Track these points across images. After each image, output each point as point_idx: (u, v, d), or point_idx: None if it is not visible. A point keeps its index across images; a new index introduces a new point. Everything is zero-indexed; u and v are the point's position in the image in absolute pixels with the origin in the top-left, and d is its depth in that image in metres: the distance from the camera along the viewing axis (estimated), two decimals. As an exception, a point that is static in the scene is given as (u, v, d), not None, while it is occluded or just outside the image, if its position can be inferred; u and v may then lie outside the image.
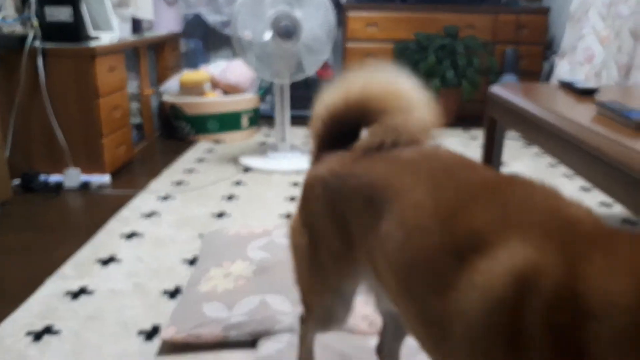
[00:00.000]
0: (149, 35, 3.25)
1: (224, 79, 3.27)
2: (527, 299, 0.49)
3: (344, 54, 3.85)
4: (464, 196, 0.63)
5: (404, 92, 0.84)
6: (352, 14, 3.72)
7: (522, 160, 2.82)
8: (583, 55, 3.05)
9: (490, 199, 0.60)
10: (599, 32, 2.99)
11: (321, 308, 0.92)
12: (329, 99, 0.89)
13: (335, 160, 0.85)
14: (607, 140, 1.15)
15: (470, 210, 0.60)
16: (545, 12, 3.73)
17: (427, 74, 3.42)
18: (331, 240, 0.83)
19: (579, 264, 0.47)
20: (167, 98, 3.27)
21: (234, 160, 2.80)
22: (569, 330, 0.46)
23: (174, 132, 3.28)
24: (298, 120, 3.74)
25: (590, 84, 1.77)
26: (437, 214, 0.63)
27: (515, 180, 0.63)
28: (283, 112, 2.73)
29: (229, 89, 3.29)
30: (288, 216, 2.03)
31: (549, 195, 0.59)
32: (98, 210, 2.13)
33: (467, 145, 3.14)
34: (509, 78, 3.60)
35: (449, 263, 0.59)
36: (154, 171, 2.62)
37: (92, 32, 2.50)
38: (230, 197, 2.25)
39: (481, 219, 0.58)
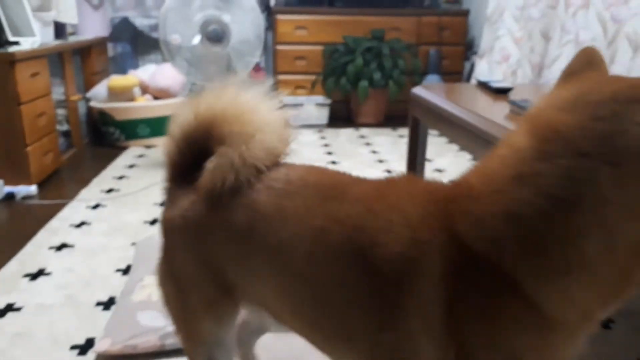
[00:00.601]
0: (73, 39, 3.16)
1: (154, 83, 3.22)
2: (425, 271, 0.56)
3: (274, 56, 3.90)
4: (344, 206, 0.65)
5: (247, 113, 0.76)
6: (281, 17, 3.77)
7: (445, 156, 2.96)
8: (500, 55, 3.25)
9: (367, 203, 0.65)
10: (513, 33, 3.19)
11: (201, 357, 0.85)
12: (182, 117, 0.79)
13: (189, 205, 0.76)
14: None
15: (351, 217, 0.64)
16: (464, 14, 3.93)
17: (356, 76, 3.53)
18: (203, 289, 0.78)
19: (449, 219, 0.56)
20: (95, 104, 3.19)
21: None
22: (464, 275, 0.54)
23: (103, 138, 3.20)
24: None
25: (506, 83, 1.90)
26: (324, 231, 0.65)
27: (386, 181, 0.68)
28: (215, 116, 2.73)
29: (159, 94, 3.25)
30: (222, 220, 2.05)
31: (412, 183, 0.65)
32: (24, 222, 2.06)
33: (396, 143, 3.27)
34: (433, 78, 3.77)
35: (358, 272, 0.62)
36: (83, 179, 2.55)
37: (10, 37, 2.40)
38: (163, 203, 2.23)
39: (365, 220, 0.63)
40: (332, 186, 0.70)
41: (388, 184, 0.66)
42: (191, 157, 0.78)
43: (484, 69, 3.34)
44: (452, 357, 0.55)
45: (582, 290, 0.51)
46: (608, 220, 0.48)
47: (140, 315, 1.32)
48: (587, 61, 0.58)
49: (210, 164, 0.74)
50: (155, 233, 1.89)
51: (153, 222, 2.03)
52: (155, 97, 3.26)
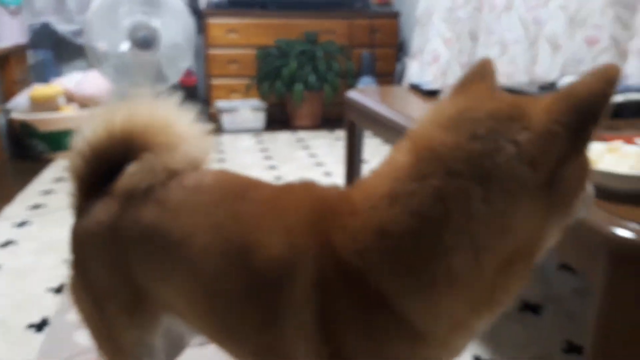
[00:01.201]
0: (-12, 47, 2.97)
1: (80, 92, 3.09)
2: (299, 276, 0.58)
3: (206, 60, 3.83)
4: (244, 217, 0.66)
5: (171, 125, 0.77)
6: (212, 21, 3.71)
7: (381, 157, 3.02)
8: (430, 56, 3.35)
9: (262, 204, 0.67)
10: (442, 34, 3.30)
11: None
12: (90, 131, 0.77)
13: (103, 209, 0.76)
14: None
15: (251, 228, 0.65)
16: (395, 16, 4.02)
17: (290, 79, 3.53)
18: (120, 295, 0.76)
19: (327, 230, 0.58)
20: (17, 115, 3.01)
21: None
22: (337, 291, 0.56)
23: (26, 151, 3.03)
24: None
25: (436, 84, 1.96)
26: (227, 243, 0.66)
27: (286, 188, 0.69)
28: (147, 124, 2.65)
29: (86, 102, 3.11)
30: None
31: (307, 190, 0.67)
32: (-60, 245, 1.92)
33: (333, 145, 3.30)
34: (367, 80, 3.84)
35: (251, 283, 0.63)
36: (6, 196, 2.40)
37: None
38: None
39: (260, 229, 0.64)
40: (236, 187, 0.72)
41: (286, 189, 0.68)
42: (101, 170, 0.78)
43: (416, 70, 3.44)
44: None
45: (450, 304, 0.52)
46: (476, 237, 0.50)
47: (77, 335, 1.27)
48: (480, 73, 0.59)
49: (132, 168, 0.74)
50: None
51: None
52: (82, 106, 3.12)
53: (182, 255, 0.68)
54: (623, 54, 2.02)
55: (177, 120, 0.77)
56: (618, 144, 0.86)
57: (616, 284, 0.70)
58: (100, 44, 2.40)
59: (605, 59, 2.05)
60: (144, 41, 2.41)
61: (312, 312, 0.57)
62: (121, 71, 2.48)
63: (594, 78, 0.49)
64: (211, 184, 0.73)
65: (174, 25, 2.46)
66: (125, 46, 2.40)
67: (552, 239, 0.55)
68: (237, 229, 0.65)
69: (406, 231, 0.51)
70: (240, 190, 0.71)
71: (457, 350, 0.59)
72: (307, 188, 0.67)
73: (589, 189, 0.58)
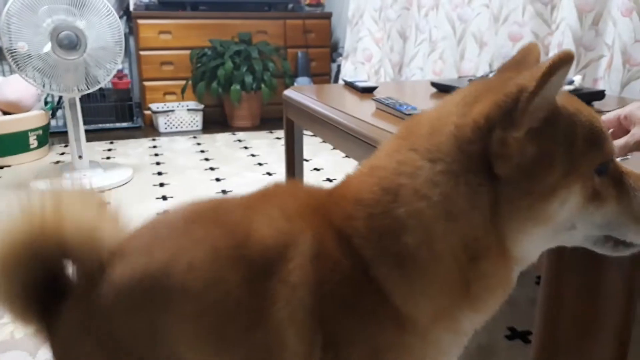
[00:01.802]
0: None
1: (2, 97, 2.90)
2: (296, 255, 0.56)
3: (138, 62, 3.71)
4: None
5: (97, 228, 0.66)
6: (142, 22, 3.60)
7: (321, 155, 3.04)
8: (363, 55, 3.40)
9: (249, 203, 0.64)
10: (373, 34, 3.36)
11: None
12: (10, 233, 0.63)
13: (74, 311, 0.64)
14: (383, 132, 1.32)
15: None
16: (328, 16, 4.06)
17: (227, 79, 3.48)
18: None
19: (327, 213, 0.57)
20: None
21: (24, 186, 2.51)
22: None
23: (-59, 162, 2.81)
24: (96, 134, 3.50)
25: (370, 82, 1.99)
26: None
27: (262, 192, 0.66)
28: (77, 127, 2.53)
29: (9, 108, 2.93)
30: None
31: (297, 187, 0.66)
32: None
33: (273, 145, 3.28)
34: (303, 80, 3.85)
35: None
36: None
37: None
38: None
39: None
40: (206, 205, 0.69)
41: (274, 188, 0.66)
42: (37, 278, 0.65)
43: (350, 69, 3.48)
44: (318, 350, 0.55)
45: (423, 287, 0.52)
46: (423, 217, 0.50)
47: (2, 358, 1.19)
48: (517, 59, 0.60)
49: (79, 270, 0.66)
50: (15, 262, 1.70)
51: (12, 250, 1.83)
52: (5, 112, 2.93)
53: (177, 288, 0.61)
54: (545, 49, 2.13)
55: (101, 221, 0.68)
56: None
57: (560, 272, 0.73)
58: (20, 44, 2.25)
59: (530, 54, 2.15)
60: (69, 42, 2.29)
61: (308, 292, 0.54)
62: (46, 74, 2.34)
63: (527, 73, 0.47)
64: (176, 215, 0.69)
65: (101, 26, 2.36)
66: (47, 47, 2.27)
67: (527, 245, 0.52)
68: (222, 231, 0.61)
69: (374, 201, 0.52)
70: (212, 205, 0.68)
71: (446, 350, 0.57)
72: (296, 185, 0.66)
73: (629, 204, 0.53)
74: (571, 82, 1.54)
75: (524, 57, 0.59)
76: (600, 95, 1.57)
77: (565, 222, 0.51)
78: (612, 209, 0.52)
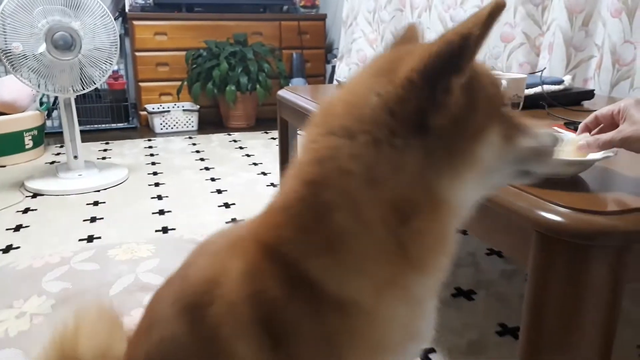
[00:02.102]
0: None
1: (-4, 98, 2.90)
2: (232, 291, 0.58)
3: (134, 63, 3.72)
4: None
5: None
6: (138, 23, 3.61)
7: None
8: (357, 57, 3.42)
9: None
10: (367, 35, 3.38)
11: None
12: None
13: None
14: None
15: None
16: (322, 18, 4.07)
17: (222, 80, 3.49)
18: None
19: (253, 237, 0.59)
20: None
21: (18, 185, 2.51)
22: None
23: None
24: (92, 134, 3.50)
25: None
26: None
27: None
28: (72, 128, 2.54)
29: (4, 108, 2.93)
30: (89, 239, 1.91)
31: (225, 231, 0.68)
32: None
33: (268, 145, 3.29)
34: (298, 81, 3.86)
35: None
36: None
37: None
38: (17, 228, 2.02)
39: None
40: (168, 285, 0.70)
41: (216, 236, 0.67)
42: None
43: (344, 70, 3.50)
44: (270, 353, 0.56)
45: (355, 263, 0.53)
46: (350, 191, 0.51)
47: (-2, 355, 1.19)
48: (405, 36, 0.62)
49: None
50: (11, 261, 1.71)
51: (6, 249, 1.83)
52: (0, 113, 2.94)
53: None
54: (536, 49, 2.15)
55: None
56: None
57: (546, 265, 0.74)
58: (14, 44, 2.26)
59: (520, 54, 2.17)
60: (64, 42, 2.30)
61: (245, 308, 0.56)
62: (42, 74, 2.35)
63: (468, 20, 0.48)
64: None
65: (96, 27, 2.37)
66: (42, 48, 2.28)
67: (461, 193, 0.53)
68: (174, 298, 0.63)
69: (298, 199, 0.53)
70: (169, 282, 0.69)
71: (405, 322, 0.57)
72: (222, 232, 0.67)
73: (534, 140, 0.58)
74: (561, 82, 1.56)
75: (410, 35, 0.62)
76: (589, 94, 1.59)
77: (492, 163, 0.54)
78: (519, 145, 0.56)
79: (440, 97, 0.48)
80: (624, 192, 0.82)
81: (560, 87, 1.55)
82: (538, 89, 1.49)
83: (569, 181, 0.83)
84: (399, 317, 0.56)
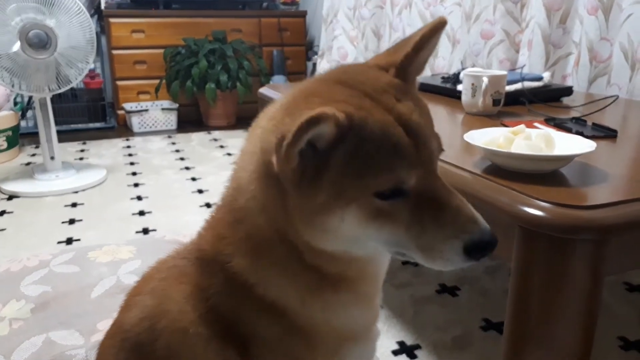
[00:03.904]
0: None
1: (-32, 98, 2.83)
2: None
3: (111, 61, 3.66)
4: None
5: None
6: (114, 21, 3.55)
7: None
8: (338, 54, 3.42)
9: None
10: (348, 32, 3.38)
11: None
12: None
13: None
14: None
15: None
16: (302, 15, 4.06)
17: (201, 78, 3.46)
18: None
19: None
20: None
21: (-7, 188, 2.46)
22: None
23: None
24: (68, 134, 3.44)
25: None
26: None
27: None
28: (48, 128, 2.49)
29: (-24, 109, 2.86)
30: (68, 241, 1.88)
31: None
32: None
33: (249, 144, 3.27)
34: (279, 79, 3.84)
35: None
36: None
37: None
38: None
39: None
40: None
41: (160, 264, 0.68)
42: None
43: (325, 67, 3.50)
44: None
45: (267, 266, 0.57)
46: (253, 212, 0.57)
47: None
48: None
49: None
50: (-14, 266, 1.67)
51: (-17, 253, 1.79)
52: (-28, 113, 2.87)
53: None
54: (515, 46, 2.17)
55: None
56: (521, 127, 0.92)
57: (529, 259, 0.75)
58: (-12, 43, 2.20)
59: (500, 51, 2.20)
60: (39, 40, 2.25)
61: (200, 327, 0.58)
62: (16, 74, 2.29)
63: (289, 121, 0.49)
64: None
65: (72, 25, 2.32)
66: (16, 46, 2.23)
67: (328, 245, 0.55)
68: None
69: (225, 218, 0.60)
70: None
71: (341, 327, 0.60)
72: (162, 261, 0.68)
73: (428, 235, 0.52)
74: (540, 79, 1.58)
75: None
76: (568, 91, 1.61)
77: (354, 233, 0.52)
78: (400, 232, 0.52)
79: (274, 168, 0.51)
80: (602, 186, 0.83)
81: (540, 83, 1.57)
82: (518, 86, 1.50)
83: (549, 176, 0.83)
84: (329, 320, 0.59)
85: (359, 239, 0.53)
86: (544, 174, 0.84)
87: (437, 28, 0.55)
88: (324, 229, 0.52)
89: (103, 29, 3.67)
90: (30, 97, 3.34)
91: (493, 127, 1.00)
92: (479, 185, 0.85)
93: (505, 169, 0.86)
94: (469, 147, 1.05)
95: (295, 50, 4.03)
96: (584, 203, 0.73)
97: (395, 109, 0.51)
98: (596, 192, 0.81)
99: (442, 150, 0.55)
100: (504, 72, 1.38)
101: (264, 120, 0.57)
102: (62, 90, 2.44)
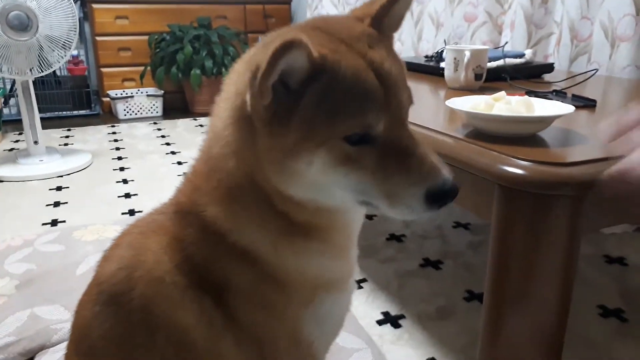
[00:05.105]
0: None
1: (-52, 83, 2.79)
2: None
3: (95, 48, 3.62)
4: None
5: None
6: (97, 7, 3.51)
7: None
8: (324, 39, 3.41)
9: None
10: (334, 18, 3.37)
11: None
12: None
13: None
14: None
15: None
16: (288, 1, 4.04)
17: (187, 64, 3.44)
18: None
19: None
20: None
21: (-24, 174, 2.43)
22: None
23: None
24: (52, 121, 3.41)
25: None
26: None
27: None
28: (31, 112, 2.46)
29: (-43, 94, 2.82)
30: (53, 223, 1.87)
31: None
32: None
33: (235, 130, 3.26)
34: (265, 64, 3.82)
35: None
36: None
37: None
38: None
39: None
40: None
41: (146, 218, 0.68)
42: None
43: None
44: (211, 310, 0.58)
45: (240, 212, 0.58)
46: (225, 157, 0.57)
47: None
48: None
49: None
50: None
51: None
52: (-48, 99, 2.82)
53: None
54: (498, 28, 2.19)
55: None
56: (501, 93, 0.93)
57: (509, 217, 0.76)
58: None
59: (483, 33, 2.21)
60: (19, 22, 2.22)
61: (177, 277, 0.58)
62: (-4, 56, 2.27)
63: (265, 50, 0.48)
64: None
65: (54, 9, 2.30)
66: (-2, 29, 2.20)
67: (294, 190, 0.55)
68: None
69: (202, 167, 0.61)
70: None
71: (317, 275, 0.61)
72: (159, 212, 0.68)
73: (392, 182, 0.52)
74: (522, 55, 1.60)
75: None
76: (549, 67, 1.63)
77: (320, 179, 0.53)
78: (366, 178, 0.52)
79: (247, 106, 0.52)
80: (581, 146, 0.85)
81: (522, 60, 1.58)
82: (500, 62, 1.52)
83: (529, 139, 0.85)
84: (302, 268, 0.60)
85: (325, 185, 0.54)
86: (524, 137, 0.86)
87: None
88: (292, 172, 0.53)
89: (86, 15, 3.63)
90: (13, 84, 3.29)
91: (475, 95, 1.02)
92: (460, 149, 0.86)
93: (486, 133, 0.88)
94: (451, 115, 1.06)
95: (281, 36, 4.01)
96: (563, 161, 0.74)
97: (368, 56, 0.52)
98: (574, 151, 0.82)
99: (412, 102, 0.56)
100: (486, 47, 1.39)
101: (240, 64, 0.58)
102: (45, 73, 2.41)
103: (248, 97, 0.51)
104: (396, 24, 0.60)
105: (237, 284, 0.58)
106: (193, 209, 0.59)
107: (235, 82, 0.56)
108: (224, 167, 0.57)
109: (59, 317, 1.23)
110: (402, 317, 1.28)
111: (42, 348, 1.16)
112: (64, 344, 1.15)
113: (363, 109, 0.50)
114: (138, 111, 3.56)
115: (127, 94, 3.54)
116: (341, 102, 0.50)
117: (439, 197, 0.51)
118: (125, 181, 2.31)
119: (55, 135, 3.11)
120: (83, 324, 0.65)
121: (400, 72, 0.55)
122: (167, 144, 2.92)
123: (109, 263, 0.63)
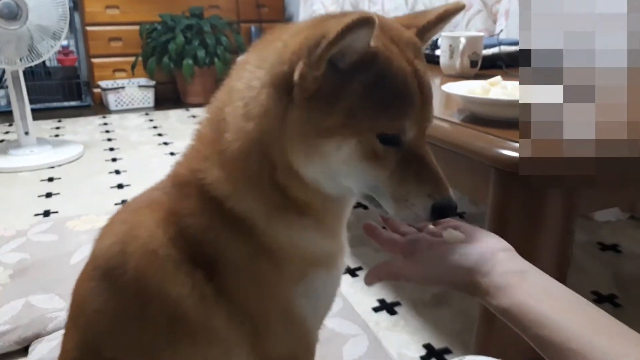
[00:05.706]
0: None
1: (-64, 73, 2.75)
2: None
3: (85, 38, 3.58)
4: None
5: None
6: (87, -4, 3.47)
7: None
8: (317, 29, 3.39)
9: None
10: (327, 7, 3.34)
11: None
12: None
13: None
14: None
15: None
16: (280, -9, 4.02)
17: (179, 54, 3.41)
18: None
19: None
20: None
21: (-34, 165, 2.40)
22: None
23: None
24: (43, 112, 3.37)
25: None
26: None
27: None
28: (22, 103, 2.43)
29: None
30: (45, 214, 1.85)
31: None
32: None
33: (228, 120, 3.25)
34: (257, 54, 3.80)
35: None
36: None
37: None
38: None
39: None
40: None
41: (147, 193, 0.68)
42: None
43: (304, 43, 3.47)
44: (203, 282, 0.58)
45: (245, 185, 0.58)
46: (234, 121, 0.57)
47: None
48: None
49: None
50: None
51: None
52: (-59, 90, 2.79)
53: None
54: (493, 16, 2.19)
55: None
56: (497, 78, 0.93)
57: (504, 200, 0.77)
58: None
59: (478, 21, 2.21)
60: (9, 11, 2.19)
61: (170, 250, 0.58)
62: (-15, 46, 2.24)
63: (335, 20, 0.49)
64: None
65: (43, -3, 2.27)
66: (-14, 18, 2.17)
67: (309, 170, 0.55)
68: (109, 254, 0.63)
69: (204, 130, 0.62)
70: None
71: (309, 250, 0.61)
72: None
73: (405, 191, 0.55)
74: (517, 43, 1.60)
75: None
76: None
77: (339, 166, 0.54)
78: (383, 177, 0.54)
79: (295, 77, 0.51)
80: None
81: (517, 47, 1.58)
82: (496, 50, 1.52)
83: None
84: (294, 242, 0.60)
85: (340, 173, 0.55)
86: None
87: (458, 9, 0.60)
88: (315, 151, 0.53)
89: (76, 4, 3.58)
90: (3, 74, 3.25)
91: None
92: (456, 133, 0.86)
93: (483, 117, 0.88)
94: (448, 101, 1.06)
95: (274, 26, 3.99)
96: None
97: (414, 63, 0.54)
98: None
99: (431, 121, 0.58)
100: (481, 34, 1.39)
101: (285, 34, 0.57)
102: (35, 62, 2.39)
103: (299, 66, 0.51)
104: (427, 40, 0.62)
105: (230, 256, 0.58)
106: (192, 178, 0.59)
107: (275, 52, 0.55)
108: (238, 127, 0.56)
109: (54, 306, 1.22)
110: (397, 304, 1.29)
111: (38, 336, 1.15)
112: (60, 332, 1.15)
113: (404, 112, 0.53)
114: (129, 102, 3.53)
115: (118, 84, 3.51)
116: (387, 100, 0.52)
117: (442, 211, 0.55)
118: (117, 172, 2.29)
119: (46, 126, 3.08)
120: (80, 299, 0.65)
121: (431, 88, 0.57)
122: (159, 134, 2.91)
123: (104, 239, 0.64)
